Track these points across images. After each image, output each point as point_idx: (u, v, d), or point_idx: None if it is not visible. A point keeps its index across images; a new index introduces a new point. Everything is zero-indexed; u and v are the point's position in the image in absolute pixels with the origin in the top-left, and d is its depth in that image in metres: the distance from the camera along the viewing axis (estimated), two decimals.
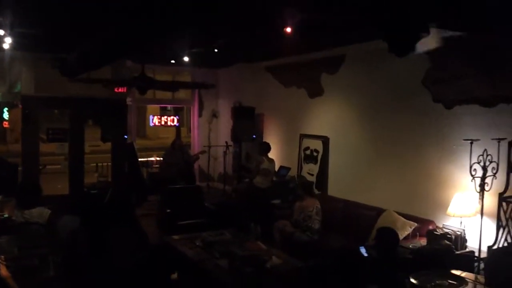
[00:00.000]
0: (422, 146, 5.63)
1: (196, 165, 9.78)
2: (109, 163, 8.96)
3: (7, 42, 5.55)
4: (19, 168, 7.81)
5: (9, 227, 4.63)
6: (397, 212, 5.45)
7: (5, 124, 10.61)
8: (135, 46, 4.41)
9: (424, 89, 5.57)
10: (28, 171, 7.65)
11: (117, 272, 3.31)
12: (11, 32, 5.18)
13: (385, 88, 6.17)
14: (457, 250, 4.64)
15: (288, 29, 4.45)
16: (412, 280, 3.46)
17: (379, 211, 5.67)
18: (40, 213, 4.65)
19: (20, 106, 7.85)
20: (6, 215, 5.24)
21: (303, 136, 7.64)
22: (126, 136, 8.14)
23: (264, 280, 4.19)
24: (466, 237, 4.79)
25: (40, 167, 8.29)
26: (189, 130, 11.20)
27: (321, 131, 7.23)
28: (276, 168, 7.85)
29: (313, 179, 7.21)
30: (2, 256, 3.11)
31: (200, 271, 4.77)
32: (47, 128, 8.19)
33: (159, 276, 2.45)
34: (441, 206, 5.24)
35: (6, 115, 9.95)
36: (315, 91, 7.36)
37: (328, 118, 7.15)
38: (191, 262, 4.93)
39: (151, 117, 10.34)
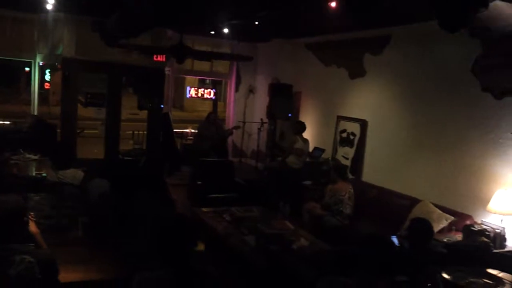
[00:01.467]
0: (465, 137, 5.34)
1: (229, 140, 9.74)
2: (145, 132, 9.06)
3: (50, 3, 5.57)
4: (58, 130, 7.99)
5: (43, 186, 4.72)
6: (433, 204, 5.23)
7: (46, 85, 10.87)
8: (175, 11, 4.30)
9: (472, 78, 5.24)
10: (65, 133, 7.81)
11: (141, 237, 3.31)
12: None
13: (431, 74, 5.86)
14: (495, 249, 4.40)
15: (333, 4, 4.23)
16: (445, 275, 3.31)
17: (414, 201, 5.46)
18: (73, 174, 4.75)
19: (60, 67, 7.97)
20: (44, 174, 5.38)
21: (340, 118, 7.42)
22: (162, 106, 8.15)
23: (289, 260, 4.12)
24: (506, 236, 4.54)
25: (78, 131, 8.47)
26: (225, 105, 11.14)
27: (360, 114, 6.99)
28: (310, 149, 7.70)
29: (347, 163, 7.02)
30: (32, 213, 3.16)
31: (226, 246, 4.76)
32: (86, 92, 8.32)
33: (184, 246, 2.39)
34: (481, 202, 4.98)
35: (48, 77, 10.19)
36: (356, 72, 7.09)
37: (368, 101, 6.90)
38: (218, 236, 4.94)
39: (188, 88, 10.35)
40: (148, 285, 2.33)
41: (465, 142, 5.34)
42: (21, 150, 6.55)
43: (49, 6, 5.76)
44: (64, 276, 2.77)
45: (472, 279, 3.27)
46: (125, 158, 7.65)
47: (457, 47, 5.47)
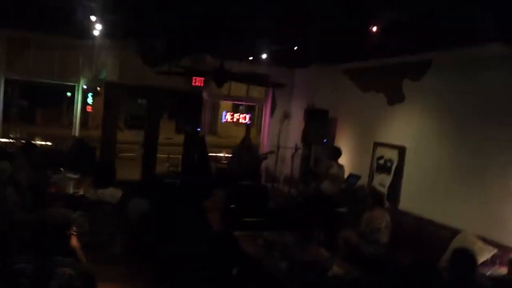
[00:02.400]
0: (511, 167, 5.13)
1: (263, 165, 9.75)
2: (180, 156, 9.20)
3: (97, 29, 5.81)
4: (96, 151, 8.23)
5: (83, 204, 4.83)
6: (475, 235, 5.02)
7: (88, 108, 11.26)
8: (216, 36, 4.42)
9: None
10: (105, 155, 8.03)
11: (180, 258, 3.32)
12: (101, 18, 5.41)
13: (475, 101, 5.65)
14: None
15: (374, 28, 4.22)
16: None
17: (454, 232, 5.26)
18: (112, 193, 4.85)
19: (102, 92, 8.26)
20: (81, 192, 5.52)
21: (378, 145, 7.30)
22: (199, 129, 8.27)
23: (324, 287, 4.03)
24: None
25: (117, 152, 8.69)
26: (258, 131, 11.20)
27: (398, 141, 6.85)
28: (345, 175, 7.59)
29: (384, 190, 6.87)
30: (74, 227, 3.22)
31: (259, 270, 4.70)
32: (126, 116, 8.57)
33: (221, 269, 2.38)
34: None
35: (90, 100, 10.56)
36: (395, 98, 7.00)
37: (407, 128, 6.77)
38: (251, 260, 4.88)
39: (224, 113, 10.51)
40: None
41: (511, 171, 5.12)
42: (61, 169, 6.76)
43: (96, 32, 6.01)
44: None
45: None
46: (163, 179, 7.75)
47: (505, 73, 5.31)
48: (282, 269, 4.45)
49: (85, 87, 9.59)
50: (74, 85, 9.25)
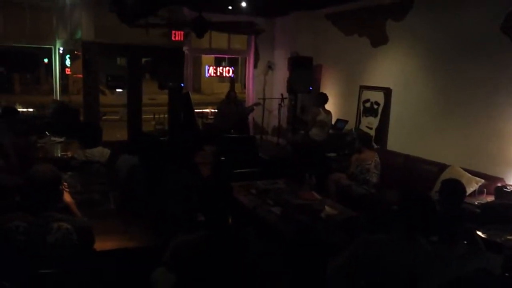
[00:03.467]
0: (496, 100, 5.18)
1: (250, 118, 9.72)
2: (166, 115, 9.11)
3: None
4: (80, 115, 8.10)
5: (72, 165, 4.79)
6: (462, 168, 5.14)
7: (67, 71, 10.97)
8: None
9: (503, 37, 5.06)
10: (89, 117, 7.90)
11: (172, 209, 3.34)
12: None
13: (456, 37, 5.68)
14: None
15: None
16: (480, 234, 3.25)
17: (442, 167, 5.37)
18: (101, 152, 4.80)
19: (80, 53, 8.02)
20: (69, 155, 5.48)
21: (363, 88, 7.30)
22: (183, 84, 8.15)
23: (317, 229, 4.11)
24: None
25: (101, 115, 8.57)
26: (243, 86, 11.09)
27: (383, 83, 6.86)
28: (333, 121, 7.62)
29: (371, 132, 6.93)
30: (66, 183, 3.20)
31: (253, 218, 4.77)
32: (106, 75, 8.37)
33: (226, 205, 2.41)
34: None
35: (68, 62, 10.27)
36: (379, 40, 6.93)
37: (392, 69, 6.76)
38: (245, 209, 4.94)
39: (206, 67, 10.34)
40: (185, 247, 2.35)
41: (495, 105, 5.19)
42: (47, 133, 6.67)
43: None
44: (100, 245, 2.81)
45: (508, 237, 3.20)
46: (150, 135, 7.70)
47: (485, 5, 5.28)
48: (276, 214, 4.52)
49: (61, 50, 9.32)
50: (51, 48, 8.98)
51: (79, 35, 7.96)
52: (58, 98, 9.10)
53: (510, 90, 5.02)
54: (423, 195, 2.56)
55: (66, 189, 3.04)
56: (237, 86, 19.19)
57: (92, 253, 2.70)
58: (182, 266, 2.27)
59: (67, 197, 3.03)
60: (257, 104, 9.17)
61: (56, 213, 2.50)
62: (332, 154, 6.95)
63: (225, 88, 17.42)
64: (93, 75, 7.93)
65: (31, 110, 9.67)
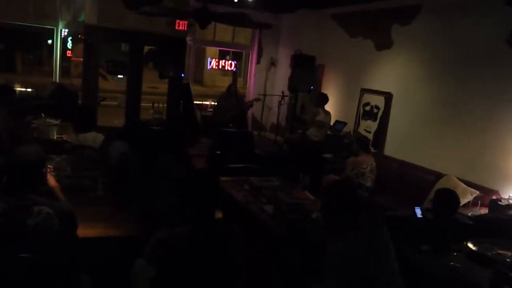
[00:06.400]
0: (496, 112, 5.13)
1: (249, 113, 9.65)
2: (165, 104, 9.04)
3: None
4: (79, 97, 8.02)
5: (65, 149, 4.74)
6: (458, 178, 5.09)
7: (68, 53, 10.89)
8: None
9: (508, 50, 5.01)
10: (87, 100, 7.84)
11: (162, 195, 3.28)
12: None
13: (461, 46, 5.63)
14: None
15: None
16: (471, 246, 3.20)
17: (438, 176, 5.32)
18: (94, 137, 4.74)
19: (82, 36, 7.94)
20: (64, 138, 5.42)
21: (364, 91, 7.23)
22: (183, 75, 8.08)
23: (308, 229, 4.06)
24: None
25: (100, 100, 8.49)
26: (245, 81, 11.03)
27: (385, 87, 6.79)
28: (332, 122, 7.56)
29: (369, 136, 6.87)
30: (51, 166, 3.14)
31: (245, 214, 4.72)
32: (107, 60, 8.30)
33: (212, 200, 2.35)
34: (509, 177, 4.84)
35: (70, 45, 10.19)
36: (383, 44, 6.86)
37: (394, 74, 6.69)
38: (237, 204, 4.89)
39: (209, 59, 10.27)
40: (167, 240, 2.30)
41: (495, 118, 5.14)
42: (42, 114, 6.61)
43: None
44: (83, 232, 2.75)
45: (500, 251, 3.15)
46: (146, 124, 7.65)
47: (491, 17, 5.23)
48: (268, 212, 4.47)
49: (65, 32, 9.24)
50: (53, 29, 8.90)
51: (82, 17, 7.89)
52: (58, 81, 9.01)
53: (510, 102, 4.96)
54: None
55: (50, 172, 2.97)
56: (240, 81, 19.10)
57: (73, 239, 2.64)
58: (162, 259, 2.22)
59: (51, 180, 2.97)
60: (257, 99, 9.11)
61: (38, 197, 2.45)
62: (328, 155, 6.89)
63: (227, 81, 17.32)
64: (94, 59, 7.86)
65: (29, 90, 9.60)
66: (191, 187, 2.35)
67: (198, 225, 2.30)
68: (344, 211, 2.48)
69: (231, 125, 8.26)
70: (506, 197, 4.65)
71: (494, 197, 4.65)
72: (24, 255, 2.33)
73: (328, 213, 2.58)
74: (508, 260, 3.02)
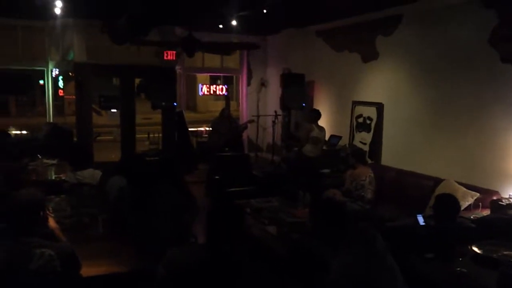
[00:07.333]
0: (487, 112, 5.19)
1: (244, 135, 9.70)
2: (160, 134, 9.08)
3: (58, 7, 5.58)
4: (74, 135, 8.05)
5: (63, 188, 4.74)
6: (457, 182, 5.09)
7: (60, 92, 10.97)
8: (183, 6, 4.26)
9: (490, 49, 5.10)
10: (82, 137, 7.87)
11: (161, 230, 3.27)
12: None
13: (446, 50, 5.73)
14: None
15: None
16: (476, 249, 3.19)
17: (437, 181, 5.31)
18: (91, 174, 4.74)
19: (73, 74, 8.01)
20: (63, 177, 5.41)
21: (356, 103, 7.30)
22: (175, 104, 8.14)
23: (312, 247, 4.04)
24: None
25: (95, 136, 8.52)
26: (238, 104, 11.13)
27: (375, 98, 6.86)
28: (327, 137, 7.60)
29: (365, 148, 6.90)
30: (51, 208, 3.14)
31: (248, 237, 4.69)
32: (99, 96, 8.35)
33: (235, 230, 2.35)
34: (507, 177, 4.86)
35: (61, 84, 10.27)
36: (369, 55, 6.97)
37: (383, 84, 6.77)
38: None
39: (200, 85, 10.36)
40: (179, 260, 2.27)
41: (486, 117, 5.20)
42: (38, 155, 6.61)
43: (57, 11, 5.76)
44: (87, 270, 2.74)
45: (505, 252, 3.14)
46: (142, 156, 7.66)
47: (472, 20, 5.33)
48: (270, 233, 4.46)
49: (56, 72, 9.32)
50: (43, 70, 8.98)
51: (71, 56, 7.98)
52: (52, 120, 9.06)
53: (502, 102, 5.02)
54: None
55: (50, 214, 2.97)
56: (233, 104, 19.23)
57: (77, 280, 2.63)
58: (175, 276, 2.20)
59: (51, 222, 2.97)
60: (250, 121, 9.16)
61: (38, 239, 2.44)
62: (326, 171, 6.90)
63: (220, 106, 17.43)
64: (86, 95, 7.93)
65: (24, 132, 9.62)
66: (217, 222, 2.33)
67: (212, 254, 2.28)
68: (332, 228, 2.46)
69: (226, 149, 8.29)
70: (507, 196, 4.66)
71: (494, 198, 4.65)
72: None
73: (317, 232, 2.56)
74: None
